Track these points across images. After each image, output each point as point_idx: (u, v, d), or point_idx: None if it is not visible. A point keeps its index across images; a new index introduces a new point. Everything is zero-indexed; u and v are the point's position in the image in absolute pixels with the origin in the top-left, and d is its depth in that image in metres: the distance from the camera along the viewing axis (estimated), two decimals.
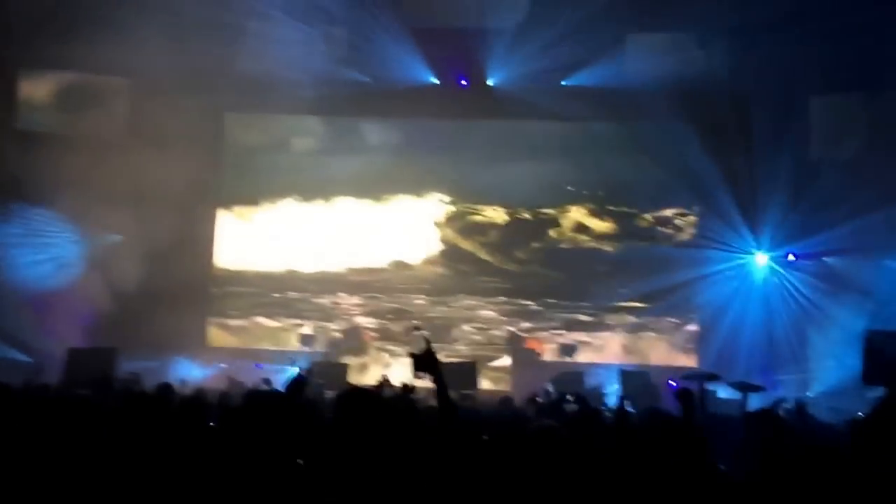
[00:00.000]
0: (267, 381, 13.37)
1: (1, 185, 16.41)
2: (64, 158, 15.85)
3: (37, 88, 18.08)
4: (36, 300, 16.55)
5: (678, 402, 6.33)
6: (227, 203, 19.65)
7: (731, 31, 16.51)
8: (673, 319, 18.54)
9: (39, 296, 16.68)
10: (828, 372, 16.03)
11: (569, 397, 10.57)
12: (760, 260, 17.78)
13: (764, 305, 17.56)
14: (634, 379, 14.76)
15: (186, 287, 17.42)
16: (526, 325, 18.96)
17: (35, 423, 5.08)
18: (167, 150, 16.61)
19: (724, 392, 13.51)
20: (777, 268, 17.68)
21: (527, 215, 19.27)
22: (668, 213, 18.33)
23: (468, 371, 14.43)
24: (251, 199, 19.65)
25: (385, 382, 12.77)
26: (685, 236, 18.44)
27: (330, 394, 12.30)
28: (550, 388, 14.22)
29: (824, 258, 17.14)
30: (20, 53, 17.09)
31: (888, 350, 8.99)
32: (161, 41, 15.95)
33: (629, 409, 10.22)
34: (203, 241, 19.28)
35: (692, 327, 18.45)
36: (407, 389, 10.47)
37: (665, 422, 5.13)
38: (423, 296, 19.39)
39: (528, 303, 19.07)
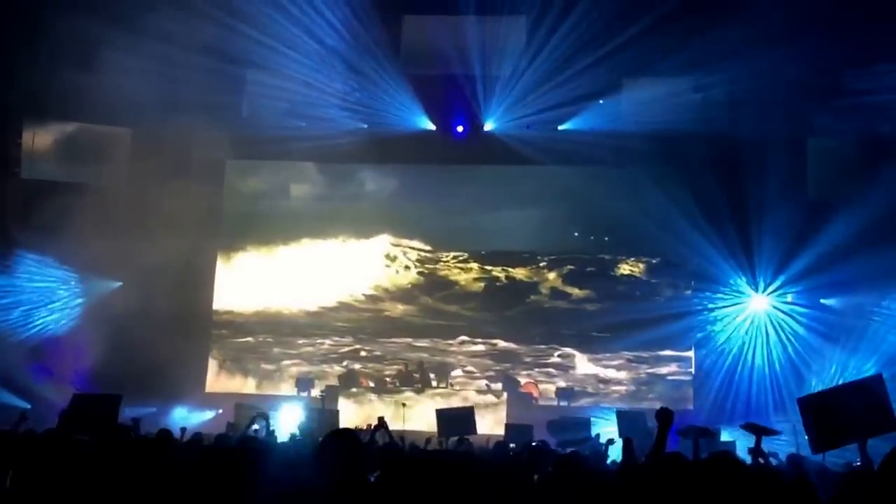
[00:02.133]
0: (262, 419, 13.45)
1: (5, 233, 16.65)
2: (67, 206, 16.19)
3: (41, 138, 18.40)
4: (37, 346, 16.82)
5: (657, 422, 6.50)
6: (228, 248, 19.94)
7: (725, 75, 16.67)
8: (669, 362, 18.64)
9: (40, 341, 16.96)
10: None
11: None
12: (758, 302, 17.85)
13: (761, 348, 17.65)
14: (631, 419, 14.81)
15: (186, 332, 17.71)
16: (521, 368, 19.06)
17: (28, 467, 5.31)
18: (168, 198, 16.99)
19: (729, 435, 13.59)
20: (774, 310, 17.75)
21: (525, 258, 19.46)
22: (665, 255, 18.42)
23: (467, 416, 14.45)
24: (251, 243, 19.95)
25: (379, 425, 12.86)
26: (682, 279, 18.53)
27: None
28: (549, 436, 14.30)
29: (822, 300, 17.30)
30: (24, 104, 17.41)
31: (824, 412, 8.80)
32: (163, 91, 16.35)
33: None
34: (203, 286, 19.56)
35: (689, 370, 18.51)
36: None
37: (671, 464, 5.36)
38: (419, 339, 19.61)
39: (524, 347, 19.25)
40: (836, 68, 16.17)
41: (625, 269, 19.14)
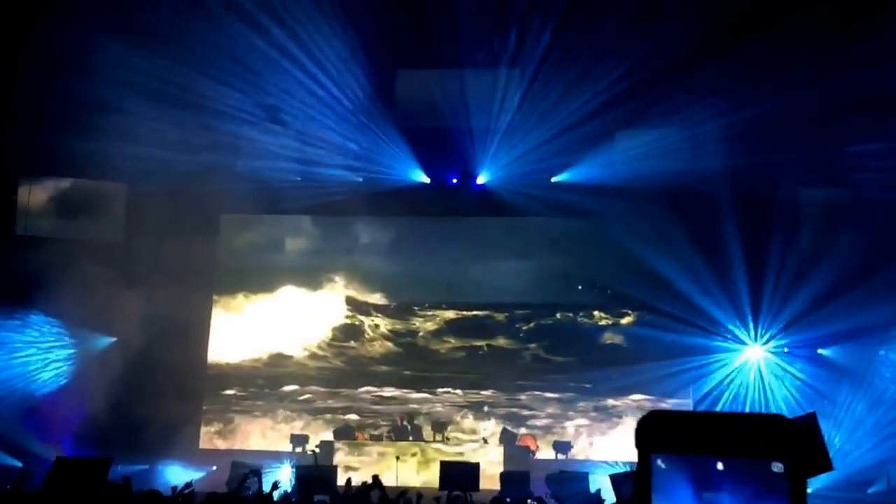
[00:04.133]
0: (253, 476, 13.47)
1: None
2: (61, 262, 16.39)
3: (36, 195, 18.60)
4: (29, 403, 16.92)
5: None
6: (222, 302, 20.06)
7: (719, 128, 16.83)
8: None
9: (33, 399, 17.06)
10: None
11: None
12: (755, 352, 18.02)
13: (759, 398, 17.76)
14: (622, 479, 14.76)
15: (180, 387, 17.84)
16: (518, 422, 19.13)
17: None
18: (163, 252, 17.20)
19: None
20: (771, 360, 17.91)
21: (519, 311, 19.60)
22: (661, 307, 18.45)
23: (471, 471, 14.43)
24: (246, 297, 20.08)
25: (374, 484, 12.88)
26: (677, 330, 18.51)
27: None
28: (548, 489, 14.33)
29: (819, 350, 17.44)
30: (19, 160, 17.62)
31: None
32: (157, 147, 16.60)
33: None
34: (197, 341, 19.70)
35: None
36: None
37: None
38: (416, 391, 19.70)
39: (522, 398, 19.31)
40: (830, 126, 16.28)
41: (617, 320, 19.20)
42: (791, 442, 2.72)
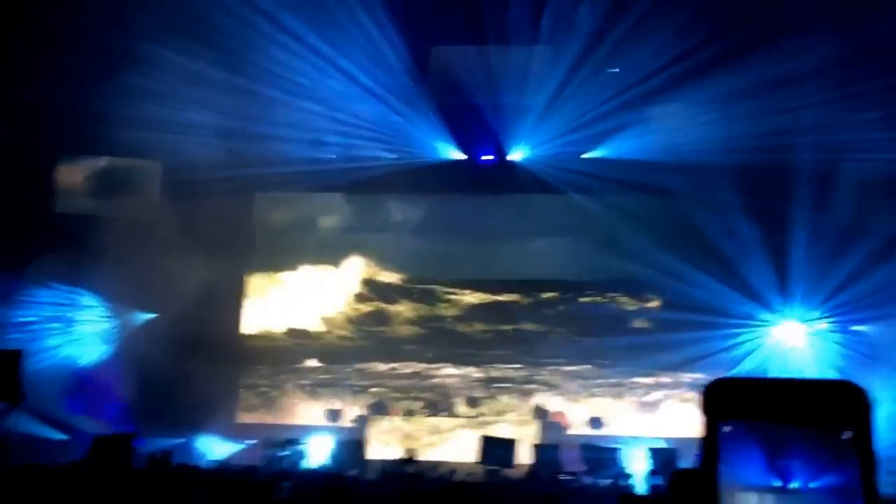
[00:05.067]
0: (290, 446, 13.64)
1: (39, 268, 17.08)
2: (99, 240, 16.67)
3: (73, 173, 18.87)
4: (72, 378, 17.25)
5: None
6: (258, 279, 20.34)
7: (755, 100, 16.71)
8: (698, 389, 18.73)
9: (75, 373, 17.40)
10: None
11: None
12: (790, 329, 17.97)
13: (794, 375, 17.68)
14: (664, 456, 14.88)
15: (216, 362, 18.07)
16: (552, 396, 19.27)
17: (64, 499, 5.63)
18: (198, 229, 17.42)
19: None
20: (807, 337, 17.87)
21: (550, 287, 19.74)
22: (695, 283, 18.34)
23: (509, 448, 14.53)
24: (280, 274, 20.33)
25: (408, 458, 13.08)
26: (713, 306, 18.41)
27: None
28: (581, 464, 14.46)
29: (857, 326, 17.39)
30: (56, 139, 17.89)
31: None
32: (193, 124, 16.81)
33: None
34: (233, 316, 20.05)
35: None
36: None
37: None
38: (449, 367, 19.88)
39: (553, 374, 19.41)
40: (872, 96, 16.11)
41: (650, 297, 19.19)
42: (862, 409, 2.60)
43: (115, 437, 10.93)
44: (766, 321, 18.00)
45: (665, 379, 19.03)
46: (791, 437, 2.64)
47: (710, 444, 2.65)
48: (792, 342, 17.96)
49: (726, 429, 2.66)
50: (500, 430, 17.23)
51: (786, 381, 2.64)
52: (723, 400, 2.72)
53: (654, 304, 19.24)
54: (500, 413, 19.04)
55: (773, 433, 2.65)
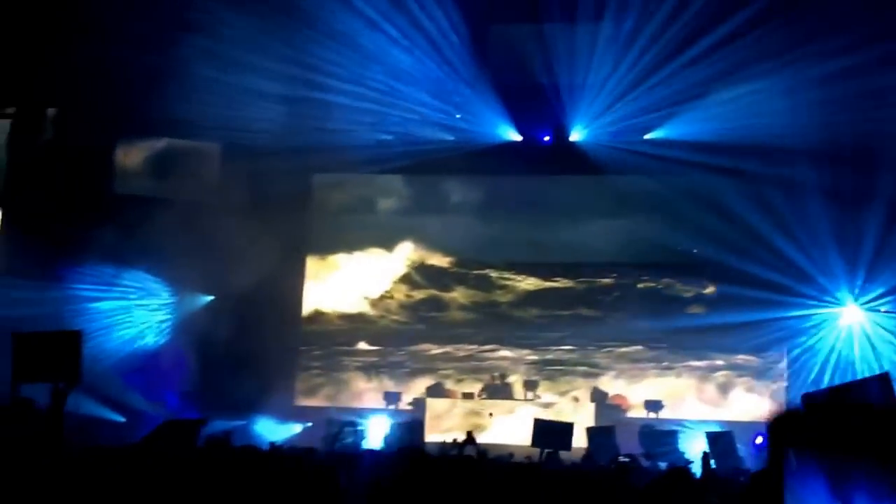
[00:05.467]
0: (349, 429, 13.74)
1: (98, 250, 17.29)
2: (159, 221, 16.84)
3: (133, 154, 19.04)
4: (133, 361, 17.45)
5: None
6: (316, 261, 20.46)
7: (818, 77, 16.41)
8: (761, 371, 18.63)
9: (136, 356, 17.60)
10: None
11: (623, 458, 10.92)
12: (853, 312, 17.71)
13: (863, 360, 17.43)
14: (720, 440, 14.74)
15: (275, 345, 18.21)
16: (611, 379, 19.21)
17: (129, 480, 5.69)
18: (257, 212, 17.52)
19: None
20: (872, 320, 17.60)
21: (611, 269, 19.66)
22: (759, 265, 18.09)
23: (564, 431, 14.47)
24: (339, 257, 20.41)
25: (468, 440, 13.05)
26: (776, 288, 18.14)
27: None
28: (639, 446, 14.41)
29: None
30: (117, 122, 18.08)
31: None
32: (250, 106, 16.91)
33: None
34: (291, 299, 20.17)
35: (780, 382, 18.48)
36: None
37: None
38: (507, 350, 19.90)
39: (611, 357, 19.36)
40: None
41: (708, 280, 18.94)
42: None
43: (185, 423, 11.04)
44: (831, 304, 17.76)
45: (723, 362, 18.91)
46: (857, 466, 2.55)
47: (775, 475, 2.67)
48: (857, 326, 17.69)
49: (793, 459, 2.64)
50: (557, 413, 17.17)
51: (863, 411, 2.53)
52: (794, 428, 2.72)
53: (713, 286, 19.04)
54: (558, 395, 19.03)
55: (843, 468, 2.57)
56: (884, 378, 9.56)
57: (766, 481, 4.97)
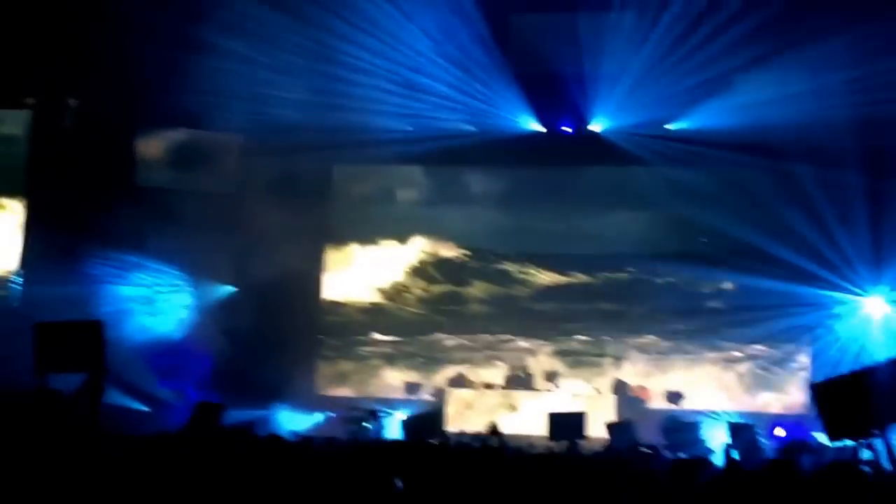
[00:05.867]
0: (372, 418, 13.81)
1: (120, 240, 17.43)
2: (181, 213, 16.99)
3: (154, 146, 19.21)
4: (155, 350, 17.59)
5: None
6: (335, 251, 20.58)
7: (851, 70, 16.34)
8: (782, 363, 18.66)
9: (158, 346, 17.74)
10: None
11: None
12: (875, 302, 17.65)
13: (880, 349, 17.33)
14: (741, 432, 14.75)
15: (296, 335, 18.36)
16: (631, 370, 19.25)
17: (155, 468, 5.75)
18: (278, 203, 17.62)
19: None
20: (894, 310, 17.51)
21: (631, 261, 19.65)
22: (782, 257, 17.98)
23: (578, 421, 14.54)
24: (358, 247, 20.49)
25: (493, 431, 13.12)
26: (799, 279, 18.04)
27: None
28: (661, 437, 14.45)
29: None
30: (138, 112, 18.19)
31: (841, 398, 8.62)
32: (271, 100, 16.98)
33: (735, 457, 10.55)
34: (312, 290, 20.32)
35: (802, 373, 18.44)
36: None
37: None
38: (528, 340, 20.00)
39: (633, 348, 19.48)
40: None
41: (729, 271, 18.77)
42: None
43: (212, 405, 11.16)
44: (851, 296, 17.67)
45: (743, 353, 18.93)
46: None
47: None
48: (880, 317, 17.63)
49: None
50: (580, 405, 17.17)
51: None
52: None
53: (733, 277, 18.97)
54: (579, 387, 19.05)
55: None
56: (894, 363, 9.56)
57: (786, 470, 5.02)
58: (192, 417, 10.62)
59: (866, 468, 7.72)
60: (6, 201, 19.12)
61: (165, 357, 17.76)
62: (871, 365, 10.80)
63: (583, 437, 13.72)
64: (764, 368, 18.85)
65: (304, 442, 11.33)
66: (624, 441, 13.70)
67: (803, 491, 5.33)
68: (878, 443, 8.41)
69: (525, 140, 18.91)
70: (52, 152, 18.45)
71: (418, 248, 20.48)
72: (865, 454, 8.42)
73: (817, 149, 16.65)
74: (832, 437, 8.99)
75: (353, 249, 20.63)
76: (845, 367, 16.83)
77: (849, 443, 9.21)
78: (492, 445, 11.15)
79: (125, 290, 18.08)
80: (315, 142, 17.86)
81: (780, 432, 16.13)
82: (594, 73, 18.07)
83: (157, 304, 18.60)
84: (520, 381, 19.09)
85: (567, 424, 14.09)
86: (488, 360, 19.86)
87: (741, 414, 17.29)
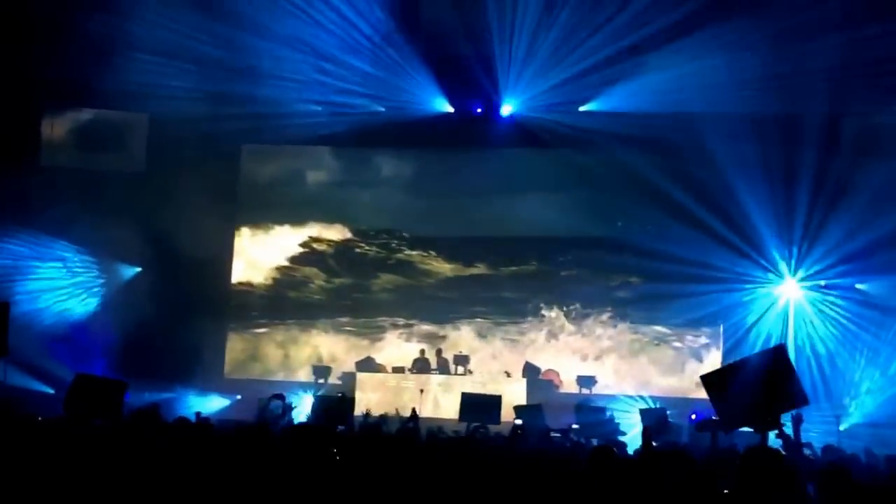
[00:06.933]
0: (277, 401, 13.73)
1: (25, 220, 17.18)
2: (86, 193, 16.79)
3: (59, 126, 19.00)
4: (58, 331, 17.37)
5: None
6: (244, 232, 20.63)
7: (757, 54, 16.55)
8: (695, 347, 19.06)
9: (62, 327, 17.53)
10: (861, 405, 16.47)
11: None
12: (789, 287, 17.98)
13: (793, 334, 17.76)
14: (654, 416, 14.92)
15: (204, 317, 18.25)
16: (541, 354, 19.49)
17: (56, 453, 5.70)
18: (185, 182, 17.46)
19: None
20: (810, 294, 17.90)
21: (543, 243, 19.77)
22: (693, 240, 17.94)
23: (492, 405, 14.58)
24: (266, 228, 20.45)
25: (412, 416, 13.14)
26: (711, 263, 18.08)
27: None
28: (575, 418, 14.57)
29: (857, 284, 17.49)
30: (43, 92, 18.00)
31: (729, 388, 8.98)
32: (178, 77, 16.79)
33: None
34: (220, 271, 20.35)
35: (715, 356, 18.77)
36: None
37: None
38: (437, 325, 20.21)
39: (544, 331, 19.77)
40: (879, 48, 15.94)
41: (643, 252, 18.85)
42: None
43: (105, 381, 11.02)
44: (767, 280, 18.09)
45: (657, 337, 19.20)
46: None
47: None
48: (794, 300, 18.02)
49: None
50: (489, 388, 17.30)
51: None
52: None
53: (646, 261, 19.10)
54: (490, 370, 19.17)
55: None
56: (779, 349, 9.86)
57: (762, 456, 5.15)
58: (71, 389, 10.54)
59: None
60: None
61: (72, 339, 17.57)
62: (753, 355, 11.12)
63: (496, 420, 13.77)
64: (677, 352, 19.08)
65: (210, 425, 11.28)
66: (533, 425, 13.83)
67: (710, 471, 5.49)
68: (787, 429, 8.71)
69: (436, 122, 19.05)
70: None
71: (326, 229, 20.48)
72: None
73: (731, 131, 16.80)
74: (727, 427, 9.23)
75: (262, 229, 20.67)
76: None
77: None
78: (397, 428, 11.21)
79: (30, 270, 17.82)
80: (224, 121, 17.71)
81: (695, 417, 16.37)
82: (504, 54, 18.12)
83: (63, 284, 18.48)
84: (429, 364, 19.11)
85: (480, 406, 14.17)
86: (397, 343, 19.93)
87: (654, 398, 17.60)
